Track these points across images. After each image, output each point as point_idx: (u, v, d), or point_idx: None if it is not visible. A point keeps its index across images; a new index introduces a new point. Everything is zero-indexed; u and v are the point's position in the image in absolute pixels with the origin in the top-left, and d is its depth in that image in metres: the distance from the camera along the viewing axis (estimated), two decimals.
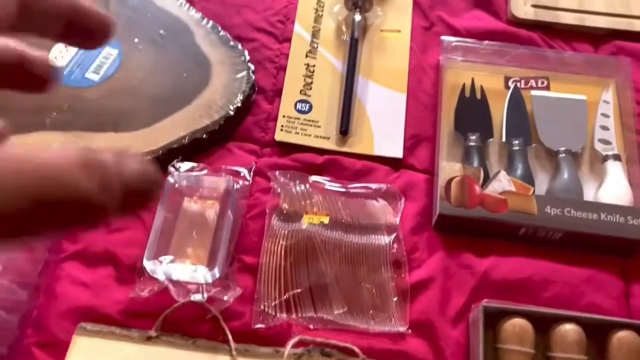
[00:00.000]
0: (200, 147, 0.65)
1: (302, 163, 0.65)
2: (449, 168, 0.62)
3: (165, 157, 0.63)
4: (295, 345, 0.53)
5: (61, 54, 0.70)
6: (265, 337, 0.55)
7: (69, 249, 0.59)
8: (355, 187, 0.62)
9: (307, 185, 0.61)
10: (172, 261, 0.56)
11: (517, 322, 0.53)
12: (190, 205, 0.60)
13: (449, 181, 0.61)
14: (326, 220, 0.59)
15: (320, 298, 0.56)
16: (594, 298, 0.58)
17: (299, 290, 0.56)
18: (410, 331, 0.55)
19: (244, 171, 0.62)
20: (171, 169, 0.61)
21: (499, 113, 0.69)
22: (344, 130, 0.66)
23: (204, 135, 0.64)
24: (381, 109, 0.69)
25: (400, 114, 0.68)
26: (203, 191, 0.60)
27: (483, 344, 0.51)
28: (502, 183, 0.62)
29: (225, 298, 0.54)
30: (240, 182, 0.61)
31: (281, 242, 0.58)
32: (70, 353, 0.53)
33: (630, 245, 0.60)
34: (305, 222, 0.58)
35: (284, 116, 0.67)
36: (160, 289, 0.56)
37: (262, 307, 0.55)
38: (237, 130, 0.67)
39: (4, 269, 0.52)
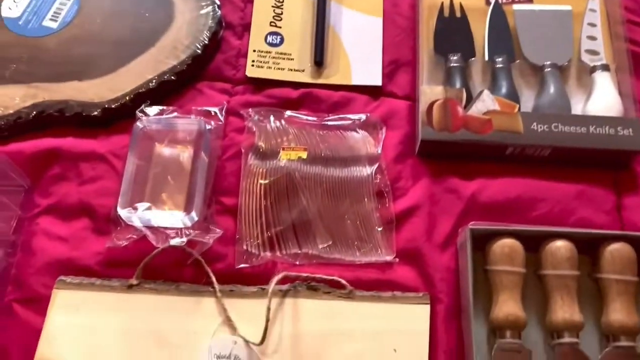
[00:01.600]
0: (169, 90, 0.62)
1: (277, 99, 0.62)
2: (430, 91, 0.60)
3: (133, 103, 0.60)
4: (281, 282, 0.52)
5: (15, 3, 0.66)
6: (250, 277, 0.54)
7: (42, 204, 0.58)
8: (333, 119, 0.60)
9: (283, 121, 0.59)
10: (148, 208, 0.54)
11: (506, 242, 0.51)
12: (163, 150, 0.58)
13: (431, 105, 0.59)
14: (304, 155, 0.56)
15: (304, 234, 0.55)
16: (586, 213, 0.57)
17: (281, 228, 0.55)
18: (397, 260, 0.54)
19: (215, 111, 0.59)
20: (139, 114, 0.59)
21: (481, 31, 0.65)
22: (319, 60, 0.63)
23: (172, 77, 0.61)
24: (357, 35, 0.65)
25: (377, 40, 0.65)
26: (175, 135, 0.58)
27: (472, 266, 0.50)
28: (485, 103, 0.59)
29: (206, 240, 0.52)
30: (213, 122, 0.58)
31: (260, 180, 0.56)
32: (51, 307, 0.52)
33: (621, 156, 0.58)
34: (283, 159, 0.56)
35: (254, 50, 0.64)
36: (139, 237, 0.54)
37: (244, 247, 0.54)
38: (206, 70, 0.64)
39: None
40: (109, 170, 0.59)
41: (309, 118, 0.60)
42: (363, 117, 0.60)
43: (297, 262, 0.54)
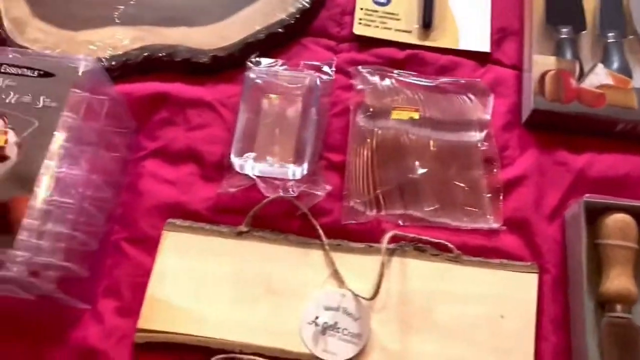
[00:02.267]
0: (276, 42, 0.62)
1: (383, 58, 0.62)
2: (543, 61, 0.59)
3: (240, 53, 0.60)
4: (388, 241, 0.52)
5: None
6: (355, 233, 0.54)
7: (149, 147, 0.58)
8: (444, 81, 0.59)
9: (393, 80, 0.58)
10: (260, 157, 0.54)
11: (620, 217, 0.51)
12: (272, 101, 0.58)
13: (543, 75, 0.58)
14: (416, 116, 0.56)
15: (410, 195, 0.55)
16: None
17: (388, 188, 0.55)
18: (504, 228, 0.54)
19: (325, 67, 0.59)
20: (250, 64, 0.59)
21: (592, 3, 0.64)
22: (427, 22, 0.62)
23: (280, 29, 0.61)
24: None
25: (485, 5, 0.64)
26: (285, 87, 0.58)
27: (586, 239, 0.50)
28: (599, 76, 0.58)
29: (319, 193, 0.52)
30: (323, 77, 0.58)
31: (368, 139, 0.56)
32: (161, 248, 0.53)
33: None
34: (393, 118, 0.56)
35: (361, 9, 0.63)
36: (248, 185, 0.54)
37: (351, 204, 0.54)
38: (311, 25, 0.64)
39: (92, 167, 0.51)
40: (216, 118, 0.59)
41: (419, 79, 0.59)
42: (474, 81, 0.59)
43: (401, 223, 0.54)
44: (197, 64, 0.60)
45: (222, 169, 0.56)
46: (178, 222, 0.54)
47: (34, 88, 0.47)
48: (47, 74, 0.48)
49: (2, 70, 0.48)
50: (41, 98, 0.47)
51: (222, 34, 0.61)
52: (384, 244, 0.51)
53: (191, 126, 0.59)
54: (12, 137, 0.46)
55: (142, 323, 0.50)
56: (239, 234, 0.53)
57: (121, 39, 0.61)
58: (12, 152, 0.45)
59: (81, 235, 0.50)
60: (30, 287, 0.47)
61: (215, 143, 0.58)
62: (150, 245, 0.53)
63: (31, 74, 0.48)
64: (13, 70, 0.48)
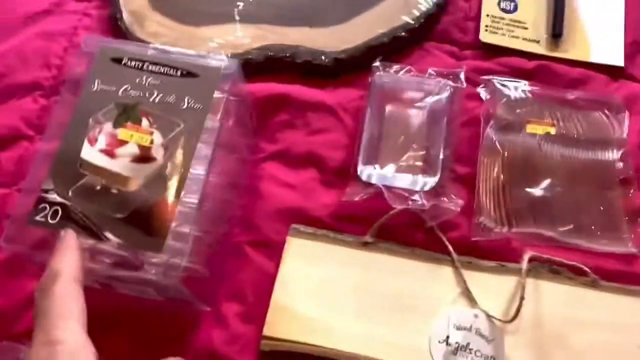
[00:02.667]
0: (399, 47, 0.60)
1: (509, 68, 0.60)
2: None
3: (363, 56, 0.59)
4: (520, 261, 0.50)
5: None
6: (483, 250, 0.52)
7: (267, 149, 0.57)
8: (580, 96, 0.57)
9: (527, 92, 0.56)
10: (386, 167, 0.53)
11: None
12: (399, 108, 0.56)
13: None
14: (552, 130, 0.54)
15: (543, 214, 0.52)
16: None
17: (519, 205, 0.52)
18: None
19: (454, 74, 0.57)
20: (375, 68, 0.57)
21: None
22: (558, 33, 0.60)
23: (404, 33, 0.59)
24: (596, 9, 0.61)
25: (619, 16, 0.61)
26: (412, 94, 0.56)
27: None
28: None
29: (452, 207, 0.51)
30: (452, 84, 0.56)
31: (500, 153, 0.54)
32: (285, 253, 0.52)
33: None
34: (528, 132, 0.54)
35: (487, 15, 0.61)
36: (372, 194, 0.53)
37: (480, 220, 0.52)
38: (433, 30, 0.62)
39: (221, 169, 0.50)
40: (337, 123, 0.57)
41: (553, 92, 0.57)
42: (608, 97, 0.57)
43: (533, 242, 0.52)
44: (319, 66, 0.58)
45: (344, 175, 0.55)
46: (302, 227, 0.53)
47: (178, 88, 0.46)
48: (190, 74, 0.47)
49: (145, 68, 0.47)
50: (186, 99, 0.46)
51: (344, 37, 0.59)
52: (524, 265, 0.49)
53: (312, 130, 0.57)
54: (157, 138, 0.45)
55: (267, 330, 0.49)
56: (365, 245, 0.52)
57: (241, 36, 0.59)
58: (158, 153, 0.44)
59: (208, 237, 0.49)
60: (164, 288, 0.46)
61: (337, 149, 0.56)
62: (273, 250, 0.52)
63: (174, 74, 0.47)
64: (155, 68, 0.47)
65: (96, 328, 0.49)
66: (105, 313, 0.51)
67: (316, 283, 0.51)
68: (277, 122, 0.58)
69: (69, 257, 0.39)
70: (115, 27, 0.62)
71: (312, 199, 0.55)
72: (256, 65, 0.59)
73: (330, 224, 0.54)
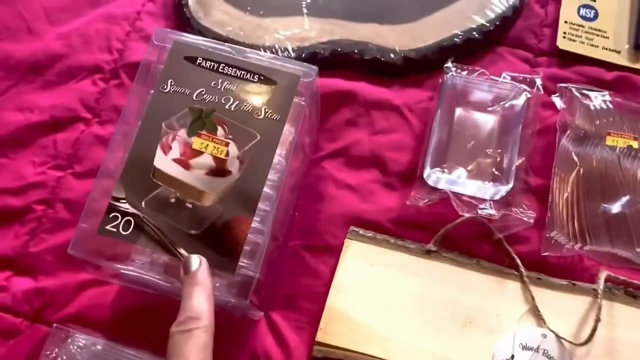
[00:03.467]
0: (472, 49, 0.57)
1: (587, 77, 0.56)
2: None
3: (434, 56, 0.56)
4: (594, 280, 0.47)
5: None
6: (553, 267, 0.49)
7: (328, 147, 0.55)
8: None
9: (607, 102, 0.53)
10: (454, 172, 0.50)
11: None
12: (469, 111, 0.53)
13: None
14: (635, 144, 0.50)
15: (619, 232, 0.49)
16: None
17: (594, 221, 0.49)
18: None
19: (530, 80, 0.54)
20: (447, 69, 0.55)
21: None
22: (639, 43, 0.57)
23: (478, 35, 0.57)
24: None
25: None
26: (485, 98, 0.53)
27: None
28: None
29: (525, 219, 0.48)
30: (528, 90, 0.53)
31: (577, 165, 0.51)
32: (343, 256, 0.49)
33: None
34: (608, 144, 0.51)
35: (566, 22, 0.58)
36: (437, 200, 0.50)
37: (552, 234, 0.49)
38: (508, 34, 0.59)
39: (291, 173, 0.47)
40: (403, 124, 0.55)
41: (634, 104, 0.53)
42: None
43: (605, 262, 0.49)
44: (387, 64, 0.56)
45: (407, 179, 0.52)
46: (361, 231, 0.50)
47: (255, 95, 0.44)
48: (268, 80, 0.44)
49: (221, 70, 0.44)
50: (263, 109, 0.43)
51: (415, 35, 0.57)
52: (601, 284, 0.45)
53: (376, 130, 0.55)
54: (233, 149, 0.42)
55: (321, 336, 0.46)
56: (427, 253, 0.49)
57: (309, 30, 0.58)
58: (233, 166, 0.42)
59: (272, 244, 0.47)
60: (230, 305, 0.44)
61: (401, 150, 0.54)
62: (329, 254, 0.50)
63: (251, 79, 0.44)
64: (232, 71, 0.44)
65: (154, 331, 0.48)
66: (163, 319, 0.50)
67: (374, 290, 0.48)
68: (340, 120, 0.56)
69: (208, 300, 0.38)
70: (179, 14, 0.60)
71: (372, 202, 0.52)
72: (322, 60, 0.57)
73: (391, 229, 0.51)
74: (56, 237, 0.52)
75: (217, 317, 0.47)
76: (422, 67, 0.56)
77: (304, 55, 0.56)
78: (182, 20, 0.60)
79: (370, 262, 0.49)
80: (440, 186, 0.50)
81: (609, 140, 0.51)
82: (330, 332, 0.47)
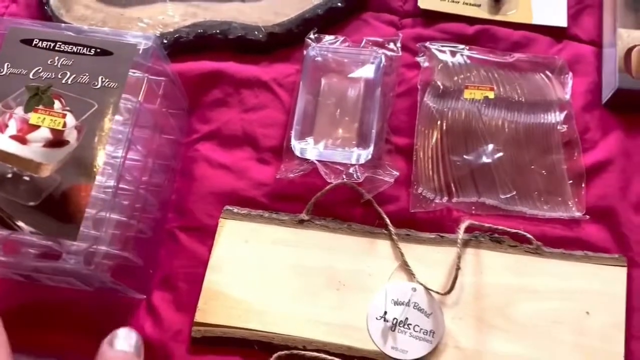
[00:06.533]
0: (335, 18, 0.58)
1: (450, 34, 0.57)
2: (628, 36, 0.54)
3: (298, 29, 0.56)
4: (463, 232, 0.49)
5: None
6: (423, 223, 0.50)
7: (201, 129, 0.55)
8: (520, 59, 0.55)
9: (465, 57, 0.54)
10: (321, 141, 0.51)
11: None
12: (333, 81, 0.54)
13: (629, 51, 0.53)
14: (491, 95, 0.52)
15: (484, 181, 0.51)
16: None
17: (459, 174, 0.51)
18: (587, 217, 0.49)
19: (390, 43, 0.55)
20: (309, 41, 0.55)
21: None
22: None
23: (339, 4, 0.57)
24: None
25: None
26: (346, 66, 0.54)
27: None
28: None
29: (387, 179, 0.49)
30: (388, 54, 0.54)
31: (438, 121, 0.52)
32: (218, 236, 0.50)
33: None
34: (466, 98, 0.52)
35: None
36: (308, 171, 0.51)
37: (419, 191, 0.50)
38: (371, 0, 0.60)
39: (147, 152, 0.48)
40: (273, 99, 0.55)
41: (492, 56, 0.55)
42: (550, 59, 0.55)
43: (474, 211, 0.50)
44: (252, 42, 0.56)
45: (279, 153, 0.53)
46: (235, 209, 0.51)
47: (91, 67, 0.44)
48: (104, 52, 0.45)
49: (57, 48, 0.45)
50: (99, 78, 0.44)
51: (277, 10, 0.57)
52: (460, 234, 0.47)
53: (246, 108, 0.55)
54: (70, 120, 0.43)
55: (199, 316, 0.47)
56: (300, 223, 0.50)
57: (172, 15, 0.57)
58: (71, 136, 0.42)
59: (137, 223, 0.47)
60: (87, 278, 0.44)
61: (272, 126, 0.54)
62: (206, 234, 0.51)
63: (88, 52, 0.45)
64: (68, 48, 0.45)
65: (25, 322, 0.48)
66: (34, 306, 0.50)
67: (250, 265, 0.49)
68: (210, 101, 0.56)
69: None
70: (42, 13, 0.59)
71: (247, 179, 0.53)
72: (187, 44, 0.57)
73: (266, 203, 0.52)
74: None
75: (95, 300, 0.48)
76: (288, 41, 0.57)
77: (166, 40, 0.56)
78: (45, 19, 0.59)
79: (245, 239, 0.50)
80: (307, 156, 0.51)
81: (467, 94, 0.52)
82: (208, 311, 0.47)
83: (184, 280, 0.49)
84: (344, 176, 0.50)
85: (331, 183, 0.50)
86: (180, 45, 0.57)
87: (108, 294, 0.48)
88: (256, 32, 0.56)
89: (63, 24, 0.46)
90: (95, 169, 0.42)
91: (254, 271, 0.49)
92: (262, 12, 0.57)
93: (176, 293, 0.49)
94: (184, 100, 0.55)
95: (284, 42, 0.57)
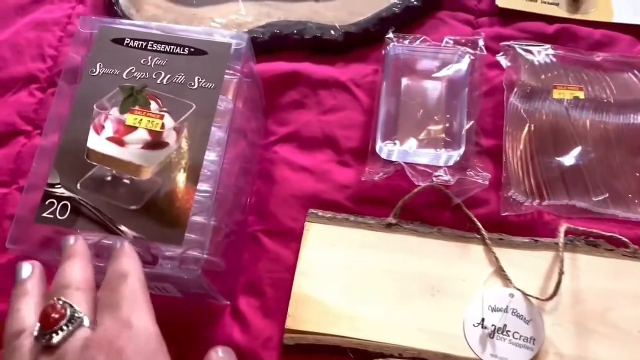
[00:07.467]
0: (412, 17, 0.57)
1: (530, 33, 0.56)
2: None
3: (375, 28, 0.55)
4: (555, 235, 0.47)
5: None
6: (514, 226, 0.49)
7: (279, 132, 0.54)
8: (607, 58, 0.53)
9: (551, 56, 0.53)
10: (405, 142, 0.50)
11: None
12: (416, 80, 0.53)
13: None
14: (581, 94, 0.50)
15: (575, 183, 0.49)
16: None
17: (550, 176, 0.49)
18: None
19: (471, 42, 0.53)
20: (388, 40, 0.54)
21: None
22: None
23: (416, 2, 0.56)
24: None
25: None
26: (429, 65, 0.53)
27: None
28: None
29: (480, 181, 0.48)
30: (472, 52, 0.53)
31: (527, 122, 0.50)
32: (305, 241, 0.49)
33: None
34: (555, 98, 0.50)
35: None
36: (392, 173, 0.50)
37: (510, 194, 0.49)
38: None
39: (235, 155, 0.46)
40: (351, 100, 0.54)
41: (578, 55, 0.53)
42: (636, 57, 0.53)
43: (565, 214, 0.49)
44: (329, 42, 0.55)
45: (360, 155, 0.52)
46: (320, 212, 0.50)
47: (186, 67, 0.43)
48: (198, 52, 0.44)
49: (150, 47, 0.44)
50: (196, 78, 0.43)
51: (352, 9, 0.56)
52: (561, 238, 0.46)
53: (325, 109, 0.54)
54: (168, 121, 0.42)
55: (290, 323, 0.46)
56: (388, 226, 0.49)
57: (245, 15, 0.56)
58: (170, 137, 0.41)
59: (225, 227, 0.46)
60: (186, 284, 0.43)
61: (352, 127, 0.53)
62: (290, 238, 0.49)
63: (181, 52, 0.44)
64: (160, 47, 0.44)
65: None
66: None
67: (339, 270, 0.48)
68: (287, 103, 0.55)
69: (132, 262, 0.36)
70: (111, 13, 0.58)
71: (329, 182, 0.51)
72: (262, 44, 0.55)
73: (350, 206, 0.50)
74: (8, 255, 0.50)
75: (182, 308, 0.47)
76: (364, 40, 0.56)
77: None
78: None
79: (331, 243, 0.49)
80: (393, 158, 0.50)
81: (556, 94, 0.51)
82: (299, 318, 0.46)
83: (270, 285, 0.48)
84: (434, 178, 0.48)
85: (418, 186, 0.49)
86: (255, 46, 0.55)
87: (192, 300, 0.47)
88: (332, 32, 0.55)
89: (154, 23, 0.45)
90: (197, 172, 0.40)
91: (344, 276, 0.47)
92: (336, 11, 0.56)
93: (263, 298, 0.48)
94: (263, 102, 0.54)
95: (361, 41, 0.56)
